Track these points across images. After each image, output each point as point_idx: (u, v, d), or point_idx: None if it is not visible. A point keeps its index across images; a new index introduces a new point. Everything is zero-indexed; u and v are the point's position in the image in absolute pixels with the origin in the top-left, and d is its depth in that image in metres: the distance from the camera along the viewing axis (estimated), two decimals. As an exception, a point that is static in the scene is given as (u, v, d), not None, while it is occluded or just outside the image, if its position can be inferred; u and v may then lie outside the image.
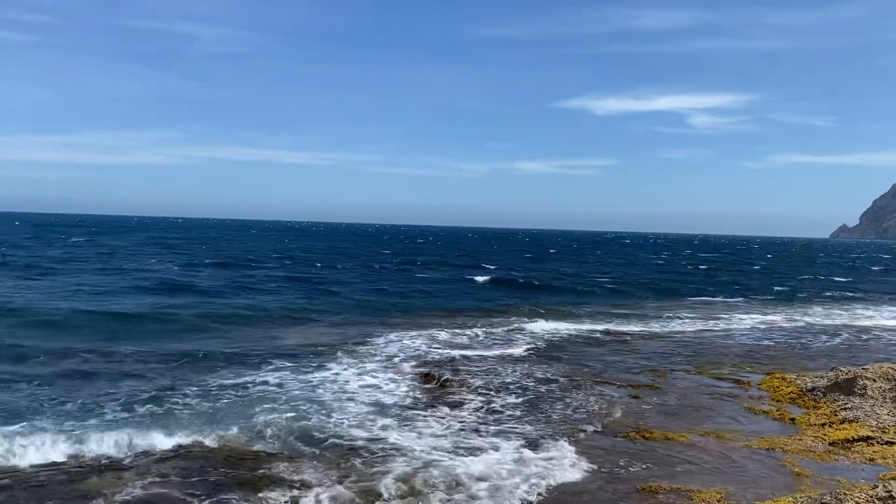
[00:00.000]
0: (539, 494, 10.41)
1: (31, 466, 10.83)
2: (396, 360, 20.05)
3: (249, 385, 16.38)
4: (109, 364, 18.14)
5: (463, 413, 14.80)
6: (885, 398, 15.53)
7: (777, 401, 16.63)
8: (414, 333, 24.86)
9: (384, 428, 13.47)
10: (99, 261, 53.16)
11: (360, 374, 17.93)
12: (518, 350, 22.58)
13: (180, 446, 11.88)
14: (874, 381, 16.12)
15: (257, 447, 12.11)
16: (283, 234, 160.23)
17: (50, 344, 20.22)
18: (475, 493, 10.32)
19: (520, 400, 16.04)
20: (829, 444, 13.09)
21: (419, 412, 14.73)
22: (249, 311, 29.03)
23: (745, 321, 32.55)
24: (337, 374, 17.94)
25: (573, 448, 12.47)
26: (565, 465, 11.61)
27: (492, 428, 13.74)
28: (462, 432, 13.40)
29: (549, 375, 18.76)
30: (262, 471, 11.02)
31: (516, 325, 28.09)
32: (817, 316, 35.69)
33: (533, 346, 23.46)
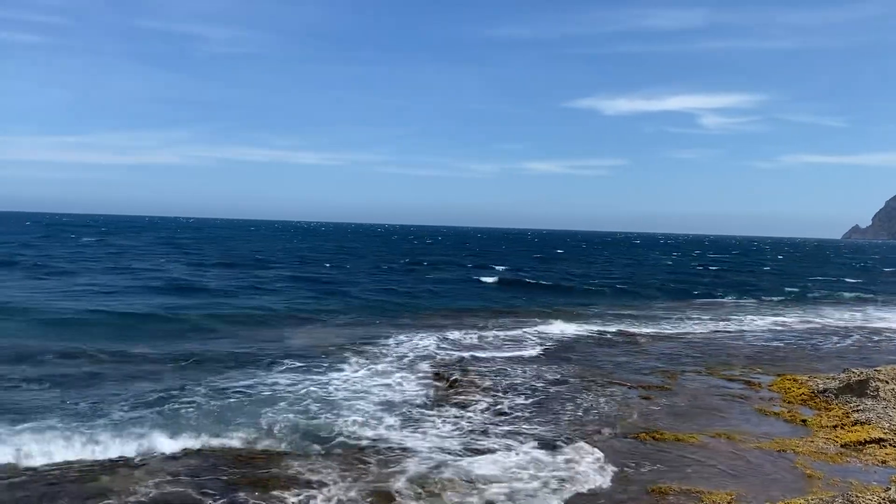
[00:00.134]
0: (556, 496, 10.37)
1: (42, 465, 10.88)
2: (406, 360, 20.06)
3: (260, 385, 16.42)
4: (119, 364, 18.22)
5: (474, 414, 14.79)
6: (897, 400, 15.41)
7: (788, 402, 16.54)
8: (423, 334, 24.86)
9: (395, 428, 13.48)
10: (109, 261, 53.44)
11: (370, 375, 17.95)
12: (528, 350, 22.55)
13: (190, 446, 11.93)
14: (887, 382, 16.02)
15: (268, 447, 12.13)
16: (292, 234, 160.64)
17: (59, 344, 20.32)
18: (490, 494, 10.30)
19: (530, 401, 16.02)
20: (841, 445, 13.01)
21: (431, 412, 14.73)
22: (259, 311, 29.11)
23: (756, 322, 32.39)
24: (347, 374, 17.96)
25: (585, 449, 12.45)
26: (578, 466, 11.59)
27: (504, 429, 13.73)
28: (474, 433, 13.39)
29: (559, 376, 18.74)
30: (274, 470, 11.05)
31: (526, 325, 28.05)
32: (828, 317, 35.48)
33: (542, 346, 23.42)
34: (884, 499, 9.47)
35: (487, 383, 17.55)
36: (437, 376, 18.05)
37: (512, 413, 14.94)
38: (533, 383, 17.78)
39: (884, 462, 12.09)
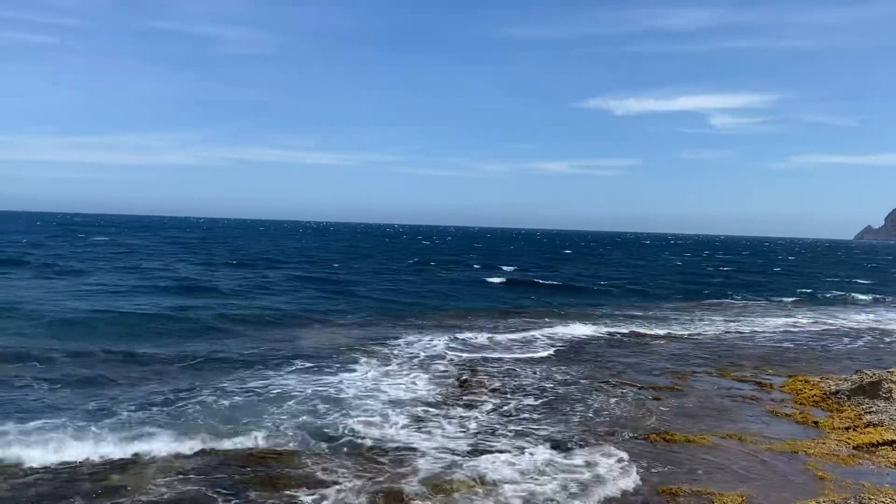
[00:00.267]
0: (568, 496, 10.35)
1: (54, 463, 10.95)
2: (417, 361, 20.07)
3: (270, 385, 16.46)
4: (128, 364, 18.27)
5: (485, 414, 14.78)
6: (910, 402, 15.30)
7: (800, 404, 16.44)
8: (433, 334, 24.86)
9: (407, 428, 13.49)
10: (119, 260, 53.71)
11: (381, 376, 17.96)
12: (538, 351, 22.52)
13: (201, 445, 11.96)
14: (899, 384, 15.89)
15: (279, 446, 12.17)
16: (303, 234, 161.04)
17: (68, 343, 20.41)
18: (506, 496, 10.27)
19: (540, 402, 16.01)
20: (854, 447, 12.93)
21: (442, 413, 14.73)
22: (268, 311, 29.17)
23: (767, 323, 32.23)
24: (358, 375, 17.98)
25: (596, 450, 12.42)
26: (590, 467, 11.57)
27: (515, 429, 13.72)
28: (485, 433, 13.39)
29: (569, 377, 18.71)
30: (285, 469, 11.09)
31: (535, 325, 28.01)
32: (839, 318, 35.25)
33: (553, 347, 23.37)
34: (897, 501, 9.39)
35: (498, 384, 17.54)
36: (448, 377, 18.05)
37: (523, 414, 14.93)
38: (543, 384, 17.76)
39: (896, 464, 12.00)
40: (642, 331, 28.02)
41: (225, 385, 16.29)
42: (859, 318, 35.36)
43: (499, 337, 24.75)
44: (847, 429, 14.11)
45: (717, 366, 21.10)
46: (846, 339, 27.90)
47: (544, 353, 22.12)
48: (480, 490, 10.44)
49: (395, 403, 15.26)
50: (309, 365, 18.80)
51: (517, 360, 20.93)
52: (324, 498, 10.00)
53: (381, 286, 42.36)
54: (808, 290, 50.19)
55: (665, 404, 16.11)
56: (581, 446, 12.68)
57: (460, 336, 24.67)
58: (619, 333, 27.07)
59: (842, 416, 15.11)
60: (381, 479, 10.78)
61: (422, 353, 21.11)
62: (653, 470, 11.60)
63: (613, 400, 16.28)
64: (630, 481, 10.98)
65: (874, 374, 16.90)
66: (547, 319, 30.15)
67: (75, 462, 11.06)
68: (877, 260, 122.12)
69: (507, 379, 18.19)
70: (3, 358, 17.99)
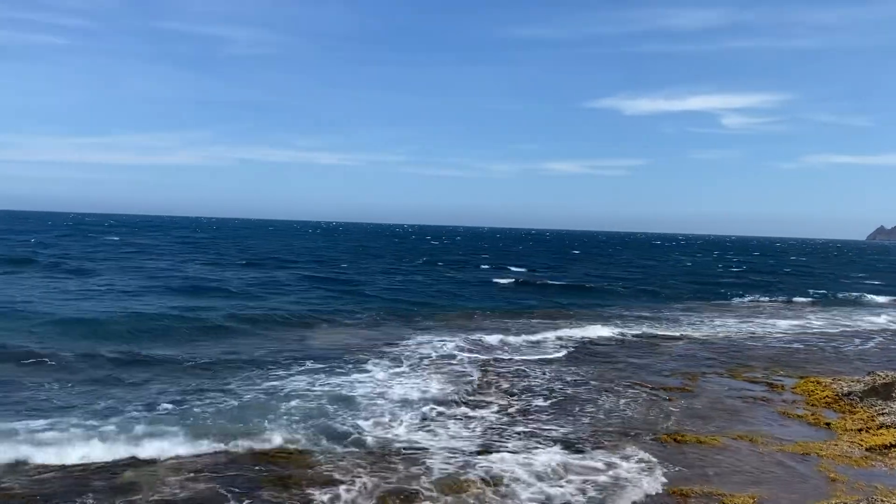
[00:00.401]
0: (587, 500, 10.33)
1: (66, 463, 10.99)
2: (427, 361, 20.09)
3: (281, 386, 16.50)
4: (138, 364, 18.32)
5: (496, 415, 14.79)
6: (923, 403, 15.19)
7: (812, 405, 16.37)
8: (443, 335, 24.88)
9: (419, 429, 13.53)
10: (129, 261, 53.95)
11: (391, 376, 17.98)
12: (548, 352, 22.50)
13: (212, 445, 12.00)
14: (912, 385, 15.78)
15: (291, 446, 12.20)
16: (312, 234, 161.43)
17: (78, 343, 20.51)
18: (521, 497, 10.28)
19: (550, 402, 16.00)
20: (866, 449, 12.86)
21: (453, 413, 14.75)
22: (278, 311, 29.24)
23: (778, 324, 32.08)
24: (369, 375, 18.00)
25: (610, 452, 12.41)
26: (610, 469, 11.56)
27: (527, 430, 13.73)
28: (497, 434, 13.40)
29: (579, 378, 18.69)
30: (297, 469, 11.13)
31: (545, 326, 27.98)
32: (851, 319, 35.05)
33: (563, 347, 23.35)
34: (910, 503, 9.34)
35: (509, 385, 17.55)
36: (459, 377, 18.06)
37: (535, 415, 14.92)
38: (554, 385, 17.75)
39: (910, 466, 11.92)
40: (653, 331, 27.94)
41: (235, 385, 16.35)
42: (872, 320, 35.13)
43: (509, 338, 24.72)
44: (860, 430, 14.04)
45: (728, 367, 21.02)
46: (857, 340, 27.74)
47: (555, 355, 22.09)
48: (494, 491, 10.42)
49: (407, 404, 15.28)
50: (319, 365, 18.84)
51: (527, 360, 20.92)
52: (337, 497, 10.03)
53: (391, 286, 42.42)
54: (820, 291, 49.90)
55: (676, 405, 16.07)
56: (594, 447, 12.66)
57: (470, 336, 24.67)
58: (630, 334, 27.00)
59: (854, 417, 15.03)
60: (393, 479, 10.81)
61: (433, 354, 21.13)
62: (664, 471, 11.56)
63: (624, 401, 16.26)
64: (650, 484, 10.93)
65: (887, 376, 16.79)
66: (557, 320, 30.12)
67: (86, 461, 11.10)
68: (889, 260, 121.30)
69: (517, 380, 18.19)
70: (14, 357, 18.11)
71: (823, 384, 18.05)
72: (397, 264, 63.74)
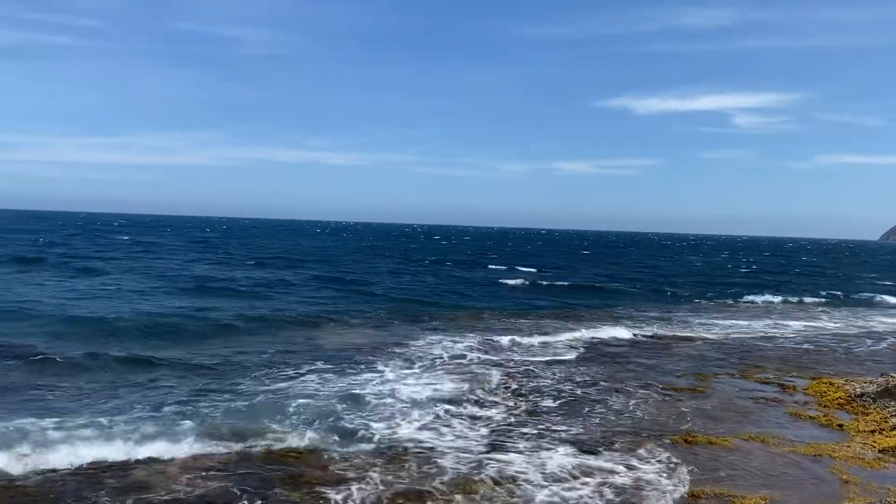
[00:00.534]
0: (599, 499, 10.32)
1: (76, 463, 11.02)
2: (437, 361, 20.10)
3: (290, 386, 16.55)
4: (148, 364, 18.34)
5: (507, 416, 14.79)
6: (937, 405, 15.09)
7: (824, 406, 16.28)
8: (453, 335, 24.89)
9: (430, 429, 13.54)
10: (139, 260, 54.19)
11: (402, 376, 18.00)
12: (559, 352, 22.47)
13: (223, 444, 12.04)
14: (926, 387, 15.67)
15: (301, 446, 12.23)
16: (321, 234, 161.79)
17: (87, 343, 20.57)
18: (536, 500, 10.25)
19: (559, 403, 15.98)
20: (880, 451, 12.78)
21: (464, 414, 14.76)
22: (287, 311, 29.30)
23: (790, 324, 31.93)
24: (379, 375, 18.03)
25: (619, 453, 12.39)
26: (614, 469, 11.53)
27: (538, 431, 13.72)
28: (510, 435, 13.39)
29: (589, 378, 18.66)
30: (308, 468, 11.16)
31: (555, 326, 27.96)
32: (863, 320, 34.84)
33: (573, 348, 23.32)
34: (924, 506, 9.27)
35: (519, 385, 17.55)
36: (470, 378, 18.06)
37: (546, 415, 14.91)
38: (564, 386, 17.73)
39: (923, 468, 11.84)
40: (663, 332, 27.87)
41: (245, 385, 16.41)
42: (885, 320, 34.90)
43: (519, 338, 24.70)
44: (873, 432, 13.95)
45: (740, 367, 20.94)
46: (869, 341, 27.58)
47: (566, 356, 22.05)
48: (507, 492, 10.42)
49: (417, 404, 15.29)
50: (329, 365, 18.88)
51: (538, 361, 20.89)
52: (349, 496, 10.05)
53: (402, 286, 42.45)
54: (832, 292, 49.60)
55: (686, 406, 16.02)
56: (607, 448, 12.64)
57: (480, 337, 24.66)
58: (640, 334, 26.93)
59: (867, 418, 14.93)
60: (405, 478, 10.82)
61: (444, 354, 21.14)
62: (675, 472, 11.52)
63: (634, 402, 16.22)
64: (674, 487, 10.89)
65: (900, 377, 16.68)
66: (567, 321, 30.08)
67: (98, 460, 11.13)
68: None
69: (528, 380, 18.18)
70: (23, 356, 18.19)
71: (836, 385, 17.95)
72: (406, 264, 63.79)
